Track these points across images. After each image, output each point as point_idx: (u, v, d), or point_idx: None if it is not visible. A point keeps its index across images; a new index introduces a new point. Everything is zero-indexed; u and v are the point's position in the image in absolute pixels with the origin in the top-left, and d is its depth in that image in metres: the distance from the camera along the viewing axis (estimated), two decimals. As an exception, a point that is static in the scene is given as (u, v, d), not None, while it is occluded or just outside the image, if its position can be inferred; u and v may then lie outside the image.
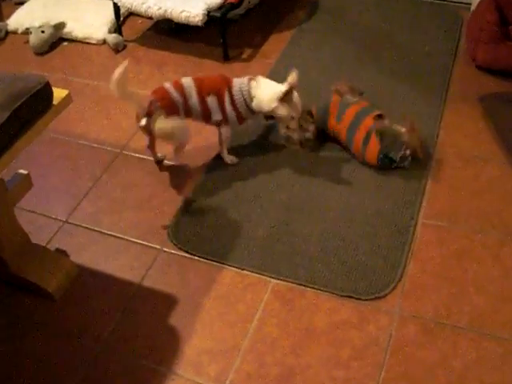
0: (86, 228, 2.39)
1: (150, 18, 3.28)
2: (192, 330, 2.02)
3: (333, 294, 2.10)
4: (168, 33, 3.46)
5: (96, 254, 2.29)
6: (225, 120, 2.50)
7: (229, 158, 2.61)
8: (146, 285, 2.17)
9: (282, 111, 2.44)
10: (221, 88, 2.46)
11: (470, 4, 3.44)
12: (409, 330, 1.99)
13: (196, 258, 2.25)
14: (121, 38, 3.41)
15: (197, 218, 2.38)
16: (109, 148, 2.74)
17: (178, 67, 3.21)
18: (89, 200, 2.51)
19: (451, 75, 3.02)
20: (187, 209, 2.43)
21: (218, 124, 2.53)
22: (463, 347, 1.93)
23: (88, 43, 3.46)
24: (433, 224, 2.32)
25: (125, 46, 3.41)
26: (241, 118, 2.52)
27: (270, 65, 3.15)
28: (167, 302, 2.11)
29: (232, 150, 2.63)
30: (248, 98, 2.46)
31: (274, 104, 2.43)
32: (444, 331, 1.98)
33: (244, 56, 3.25)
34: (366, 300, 2.08)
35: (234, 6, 3.19)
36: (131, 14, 3.51)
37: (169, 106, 2.38)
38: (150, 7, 3.18)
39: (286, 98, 2.41)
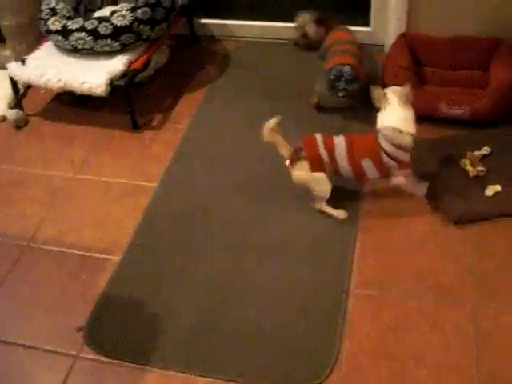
0: (-8, 340, 2.24)
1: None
2: None
3: (267, 387, 2.01)
4: (73, 103, 3.35)
5: (3, 371, 2.13)
6: (385, 174, 2.49)
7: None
8: (61, 401, 2.04)
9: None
10: (374, 150, 2.42)
11: (383, 46, 3.46)
12: (350, 418, 1.91)
13: (116, 361, 2.12)
14: (22, 113, 3.27)
15: (114, 315, 2.26)
16: (14, 241, 2.60)
17: (86, 141, 3.10)
18: (-6, 306, 2.36)
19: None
20: (103, 305, 2.30)
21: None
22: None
23: (-14, 122, 3.32)
24: (365, 294, 2.26)
25: (27, 122, 3.28)
26: (400, 162, 2.44)
27: (182, 130, 3.07)
28: (86, 418, 1.98)
29: (165, 230, 2.53)
30: (397, 143, 2.40)
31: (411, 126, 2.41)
32: (387, 415, 1.91)
33: (154, 123, 3.16)
34: (302, 390, 1.99)
35: (138, 71, 3.11)
36: (32, 84, 3.38)
37: (314, 161, 2.42)
38: (49, 80, 3.07)
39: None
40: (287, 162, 2.44)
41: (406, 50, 3.08)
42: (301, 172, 2.45)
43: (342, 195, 2.59)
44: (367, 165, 2.44)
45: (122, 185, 2.81)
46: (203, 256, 2.43)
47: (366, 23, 3.49)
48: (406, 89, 2.41)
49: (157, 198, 2.70)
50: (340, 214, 2.54)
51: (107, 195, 2.76)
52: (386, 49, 3.37)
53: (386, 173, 2.48)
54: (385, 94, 2.43)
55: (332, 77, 2.84)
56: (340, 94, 2.89)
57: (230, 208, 2.62)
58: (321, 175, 2.44)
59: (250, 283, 2.32)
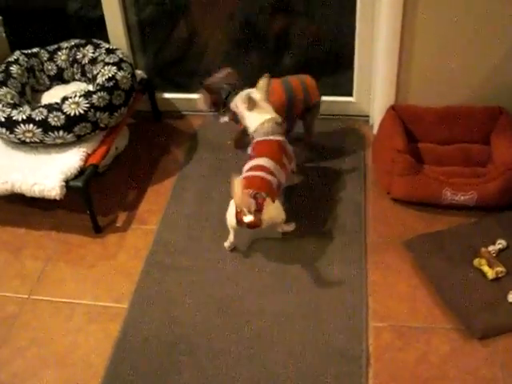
0: None
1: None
2: None
3: None
4: (24, 201, 3.00)
5: None
6: None
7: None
8: None
9: None
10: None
11: (368, 117, 3.22)
12: None
13: None
14: (-38, 217, 2.93)
15: None
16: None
17: (40, 249, 2.76)
18: None
19: (366, 216, 2.73)
20: None
21: None
22: None
23: None
24: None
25: (-32, 228, 2.93)
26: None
27: (151, 232, 2.75)
28: None
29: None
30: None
31: None
32: None
33: (118, 223, 2.84)
34: None
35: (97, 166, 2.79)
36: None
37: (273, 194, 2.41)
38: (-8, 181, 2.73)
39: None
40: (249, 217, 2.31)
41: (399, 127, 2.84)
42: (275, 210, 2.41)
43: (344, 308, 2.32)
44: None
45: (86, 307, 2.48)
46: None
47: (349, 93, 3.24)
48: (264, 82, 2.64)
49: (129, 325, 2.37)
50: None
51: (70, 322, 2.43)
52: (374, 121, 3.14)
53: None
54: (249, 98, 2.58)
55: None
56: None
57: (215, 336, 2.30)
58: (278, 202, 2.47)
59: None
